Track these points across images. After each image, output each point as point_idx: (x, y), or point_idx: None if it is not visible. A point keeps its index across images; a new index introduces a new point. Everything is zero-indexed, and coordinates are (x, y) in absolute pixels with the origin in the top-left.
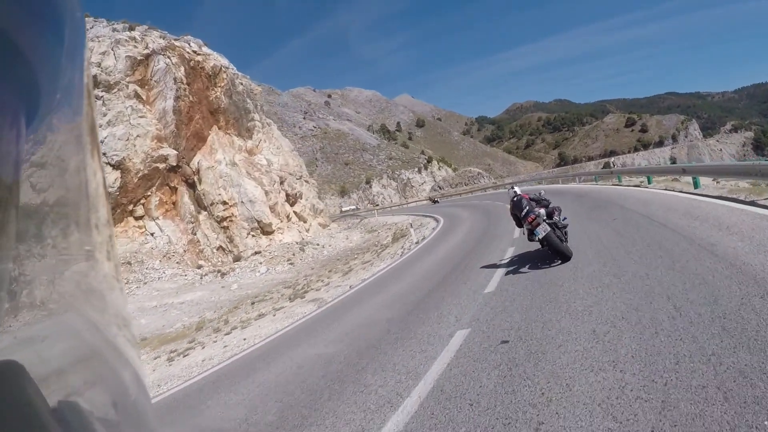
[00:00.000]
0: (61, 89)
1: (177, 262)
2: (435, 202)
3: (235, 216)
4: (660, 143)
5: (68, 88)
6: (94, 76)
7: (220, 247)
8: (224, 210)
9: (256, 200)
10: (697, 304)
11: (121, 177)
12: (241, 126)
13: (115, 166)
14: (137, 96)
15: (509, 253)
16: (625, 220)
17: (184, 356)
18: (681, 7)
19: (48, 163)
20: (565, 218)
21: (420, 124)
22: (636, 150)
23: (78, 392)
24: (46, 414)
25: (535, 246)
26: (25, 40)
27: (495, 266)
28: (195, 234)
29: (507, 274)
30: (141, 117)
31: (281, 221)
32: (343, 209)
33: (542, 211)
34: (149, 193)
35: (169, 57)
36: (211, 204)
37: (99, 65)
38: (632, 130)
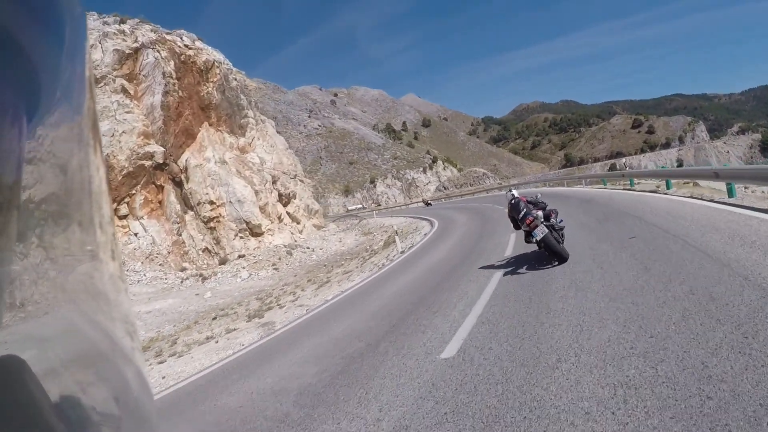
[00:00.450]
0: (62, 86)
1: (160, 264)
2: (428, 204)
3: (223, 216)
4: (667, 145)
5: (70, 84)
6: None
7: (206, 248)
8: (211, 210)
9: (245, 200)
10: None
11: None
12: (234, 123)
13: None
14: (124, 90)
15: (495, 279)
16: (647, 241)
17: None
18: (688, 9)
19: (50, 161)
20: (561, 220)
21: (426, 123)
22: (642, 151)
23: (80, 388)
24: (47, 409)
25: (521, 267)
26: (26, 37)
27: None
28: (180, 235)
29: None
30: (128, 112)
31: (272, 222)
32: (349, 208)
33: (540, 213)
34: (134, 192)
35: (158, 51)
36: (198, 204)
37: None
38: (639, 132)
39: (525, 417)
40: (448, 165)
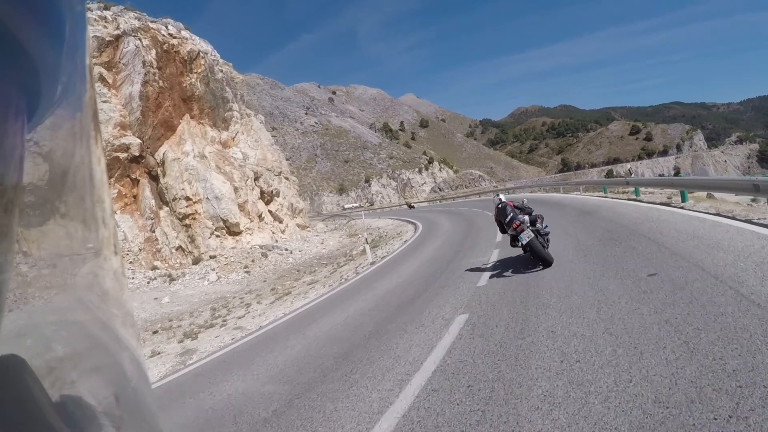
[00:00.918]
0: (63, 80)
1: (130, 262)
2: (411, 207)
3: (199, 213)
4: (664, 152)
5: (71, 79)
6: None
7: (180, 247)
8: (187, 206)
9: (223, 197)
10: None
11: None
12: (217, 116)
13: None
14: (102, 79)
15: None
16: (676, 285)
17: None
18: (689, 18)
19: (53, 159)
20: (546, 226)
21: (424, 124)
22: (640, 158)
23: (80, 384)
24: (47, 407)
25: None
26: (26, 34)
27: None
28: (154, 231)
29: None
30: (104, 102)
31: (251, 221)
32: (345, 207)
33: (526, 218)
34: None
35: (140, 39)
36: (174, 199)
37: None
38: (637, 138)
39: None
40: (444, 166)
